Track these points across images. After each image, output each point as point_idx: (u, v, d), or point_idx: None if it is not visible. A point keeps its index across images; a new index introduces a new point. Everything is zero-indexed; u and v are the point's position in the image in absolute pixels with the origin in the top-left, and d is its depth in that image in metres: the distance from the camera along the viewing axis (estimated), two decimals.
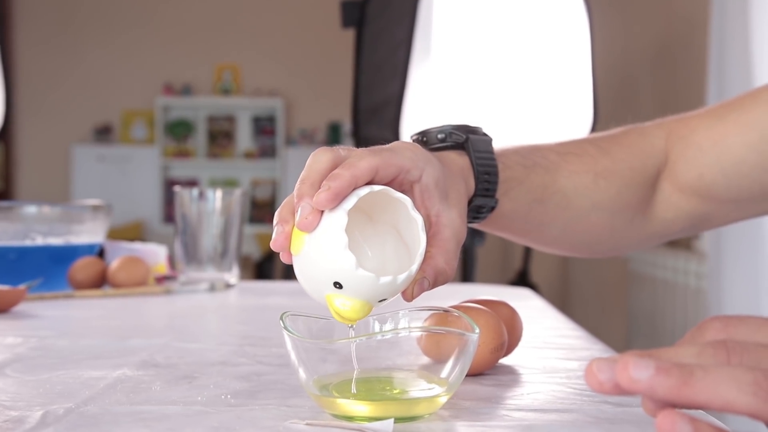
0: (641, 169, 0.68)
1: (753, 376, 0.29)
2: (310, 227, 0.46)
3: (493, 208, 0.61)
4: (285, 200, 0.50)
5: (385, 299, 0.48)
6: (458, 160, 0.60)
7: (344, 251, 0.45)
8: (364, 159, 0.48)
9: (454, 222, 0.53)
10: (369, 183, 0.49)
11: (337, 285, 0.47)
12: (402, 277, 0.47)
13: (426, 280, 0.50)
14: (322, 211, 0.47)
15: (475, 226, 0.65)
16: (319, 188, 0.46)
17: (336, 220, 0.46)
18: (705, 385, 0.29)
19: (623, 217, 0.68)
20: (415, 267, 0.48)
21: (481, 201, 0.60)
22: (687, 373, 0.30)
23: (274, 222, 0.49)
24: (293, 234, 0.48)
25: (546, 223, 0.66)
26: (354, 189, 0.47)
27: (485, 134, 0.62)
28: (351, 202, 0.47)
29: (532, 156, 0.65)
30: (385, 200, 0.49)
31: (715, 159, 0.67)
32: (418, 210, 0.50)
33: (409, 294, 0.50)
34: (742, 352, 0.31)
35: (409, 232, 0.50)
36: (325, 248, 0.46)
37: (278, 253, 0.49)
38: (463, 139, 0.61)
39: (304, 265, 0.48)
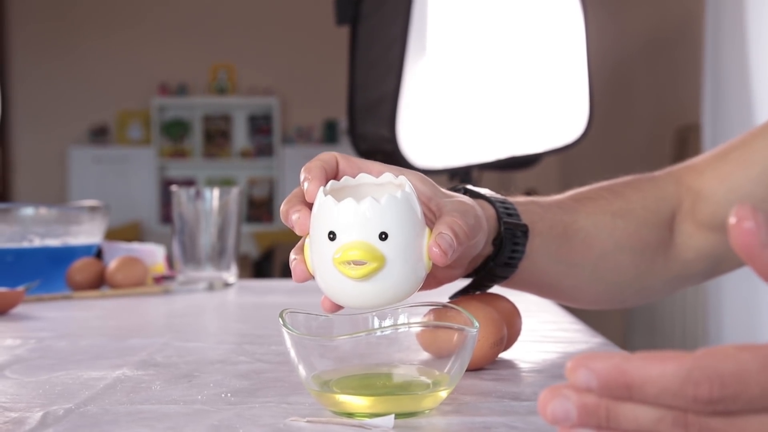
0: (655, 210, 0.69)
1: None
2: (303, 225, 0.49)
3: (526, 233, 0.60)
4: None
5: (386, 234, 0.45)
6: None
7: (322, 197, 0.47)
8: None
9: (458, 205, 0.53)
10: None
11: (331, 235, 0.46)
12: (384, 199, 0.45)
13: (444, 234, 0.48)
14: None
15: (509, 284, 0.64)
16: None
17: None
18: None
19: (645, 258, 0.68)
20: (399, 193, 0.46)
21: (511, 224, 0.60)
22: None
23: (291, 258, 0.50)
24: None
25: (576, 263, 0.66)
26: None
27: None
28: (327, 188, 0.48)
29: (545, 201, 0.67)
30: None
31: (724, 197, 0.68)
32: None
33: (436, 254, 0.47)
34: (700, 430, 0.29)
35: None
36: (313, 226, 0.48)
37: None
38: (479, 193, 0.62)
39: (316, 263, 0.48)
